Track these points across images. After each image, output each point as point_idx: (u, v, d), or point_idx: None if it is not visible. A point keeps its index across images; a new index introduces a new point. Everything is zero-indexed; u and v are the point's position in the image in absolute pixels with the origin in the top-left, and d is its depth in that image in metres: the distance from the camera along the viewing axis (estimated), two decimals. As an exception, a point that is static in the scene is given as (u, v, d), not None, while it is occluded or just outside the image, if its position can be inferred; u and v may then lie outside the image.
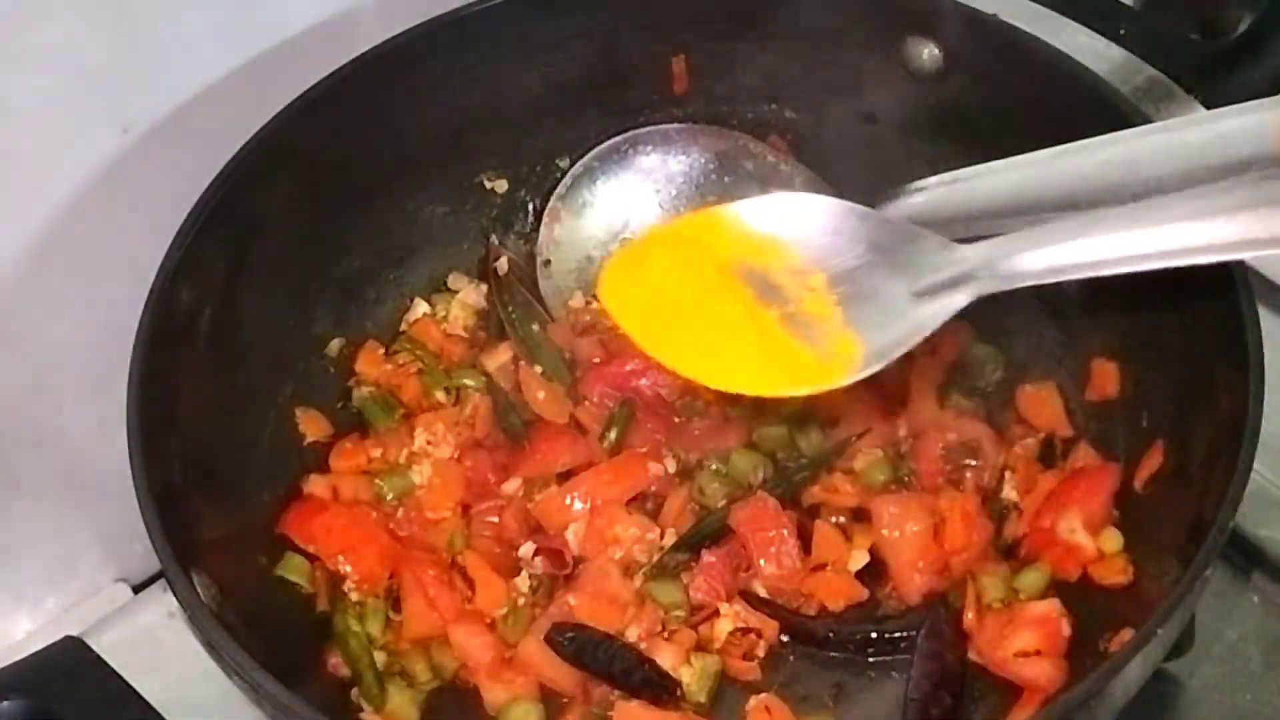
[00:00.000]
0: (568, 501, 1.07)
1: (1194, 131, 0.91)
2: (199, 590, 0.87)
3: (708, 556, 1.04)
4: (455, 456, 1.10)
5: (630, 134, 1.18)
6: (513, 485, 1.09)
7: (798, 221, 0.94)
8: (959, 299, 0.89)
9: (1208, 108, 1.03)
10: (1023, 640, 0.97)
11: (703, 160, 1.19)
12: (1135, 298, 1.04)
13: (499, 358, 1.16)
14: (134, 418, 0.91)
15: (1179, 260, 0.82)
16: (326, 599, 1.04)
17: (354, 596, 1.05)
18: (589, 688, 1.00)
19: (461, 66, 1.11)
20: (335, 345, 1.14)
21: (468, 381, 1.14)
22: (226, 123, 1.03)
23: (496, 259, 1.19)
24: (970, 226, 1.05)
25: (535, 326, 1.17)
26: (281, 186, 1.06)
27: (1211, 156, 0.88)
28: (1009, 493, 1.07)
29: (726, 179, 1.18)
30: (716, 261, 0.93)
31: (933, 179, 1.06)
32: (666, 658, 1.00)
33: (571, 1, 1.13)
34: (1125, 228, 0.84)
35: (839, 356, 0.90)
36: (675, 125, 1.18)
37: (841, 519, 1.07)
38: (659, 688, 0.99)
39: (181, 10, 1.01)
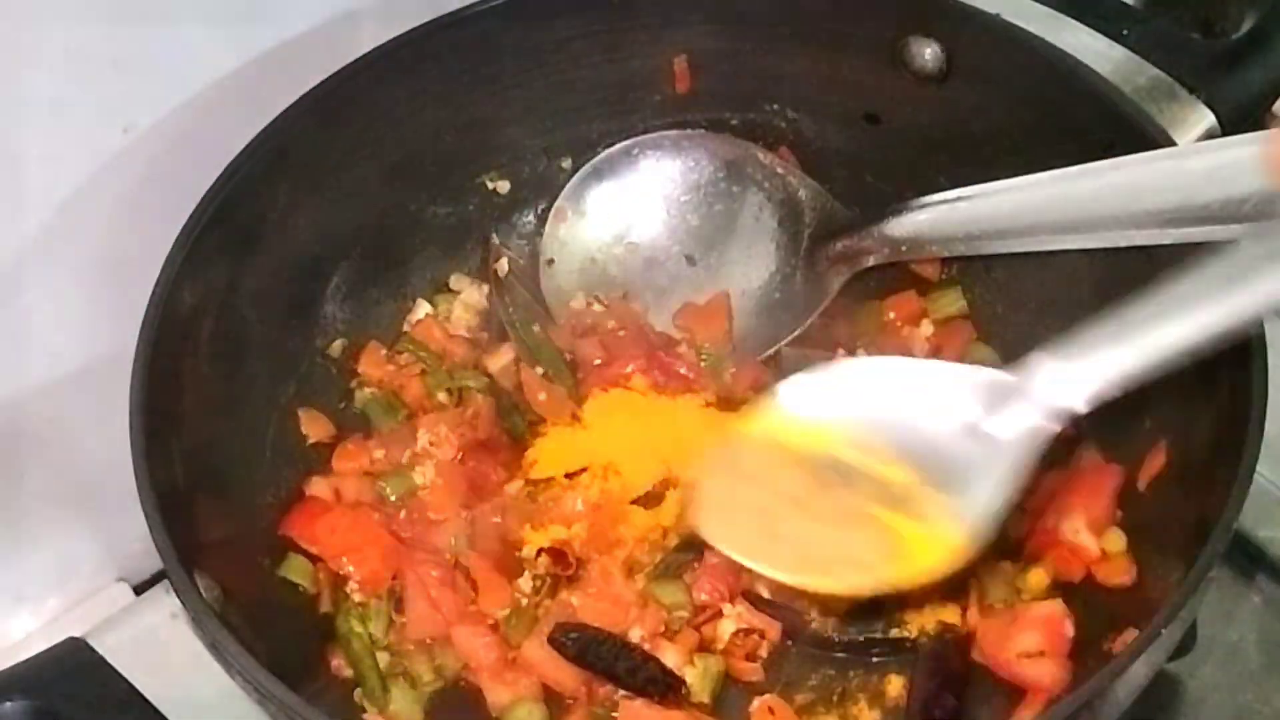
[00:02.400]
0: (571, 502, 1.07)
1: (1196, 160, 0.92)
2: (201, 591, 0.87)
3: (711, 557, 1.03)
4: (458, 457, 1.10)
5: (639, 138, 1.18)
6: (515, 486, 1.09)
7: (840, 397, 0.93)
8: (1031, 421, 0.87)
9: (1210, 108, 1.03)
10: (1026, 641, 0.97)
11: (710, 168, 1.19)
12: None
13: (501, 359, 1.16)
14: (136, 418, 0.91)
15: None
16: (329, 600, 1.04)
17: (357, 597, 1.04)
18: (592, 688, 1.00)
19: (463, 67, 1.11)
20: (337, 346, 1.14)
21: (470, 382, 1.14)
22: (227, 123, 1.03)
23: (498, 260, 1.19)
24: (971, 245, 1.06)
25: (537, 327, 1.17)
26: (283, 187, 1.06)
27: (1213, 185, 0.88)
28: (1011, 493, 1.07)
29: (734, 187, 1.18)
30: (791, 458, 0.91)
31: (935, 196, 1.06)
32: (670, 658, 1.00)
33: (573, 2, 1.13)
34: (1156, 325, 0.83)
35: (940, 521, 0.88)
36: (685, 132, 1.18)
37: (843, 519, 1.07)
38: (664, 686, 0.98)
39: (182, 11, 1.01)
